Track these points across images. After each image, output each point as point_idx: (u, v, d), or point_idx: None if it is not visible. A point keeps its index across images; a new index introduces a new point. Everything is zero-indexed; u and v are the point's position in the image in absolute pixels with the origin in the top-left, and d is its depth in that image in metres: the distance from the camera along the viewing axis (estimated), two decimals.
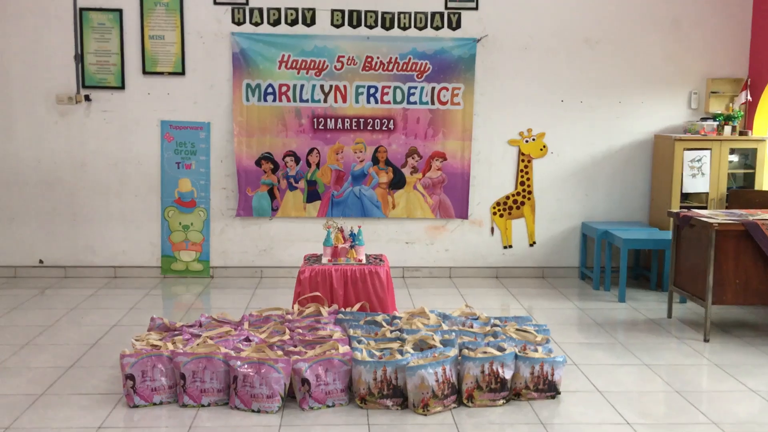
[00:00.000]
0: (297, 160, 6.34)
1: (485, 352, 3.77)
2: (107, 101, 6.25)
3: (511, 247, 6.60)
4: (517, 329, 4.24)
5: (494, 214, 6.55)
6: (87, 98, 6.22)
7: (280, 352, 3.76)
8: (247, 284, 6.30)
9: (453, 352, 3.76)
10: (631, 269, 6.58)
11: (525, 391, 3.79)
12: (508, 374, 3.73)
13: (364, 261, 4.69)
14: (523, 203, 6.54)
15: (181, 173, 6.38)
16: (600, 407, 3.73)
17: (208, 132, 6.34)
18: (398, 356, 3.72)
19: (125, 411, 3.62)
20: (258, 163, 6.33)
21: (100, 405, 3.68)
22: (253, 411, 3.61)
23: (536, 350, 3.94)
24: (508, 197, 6.54)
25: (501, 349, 3.88)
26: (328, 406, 3.68)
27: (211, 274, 6.51)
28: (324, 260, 4.69)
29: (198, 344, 3.91)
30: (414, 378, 3.59)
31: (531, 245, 6.61)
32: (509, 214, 6.56)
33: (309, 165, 6.36)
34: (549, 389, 3.81)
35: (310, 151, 6.34)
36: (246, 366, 3.63)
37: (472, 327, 4.37)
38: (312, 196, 6.41)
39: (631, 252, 6.52)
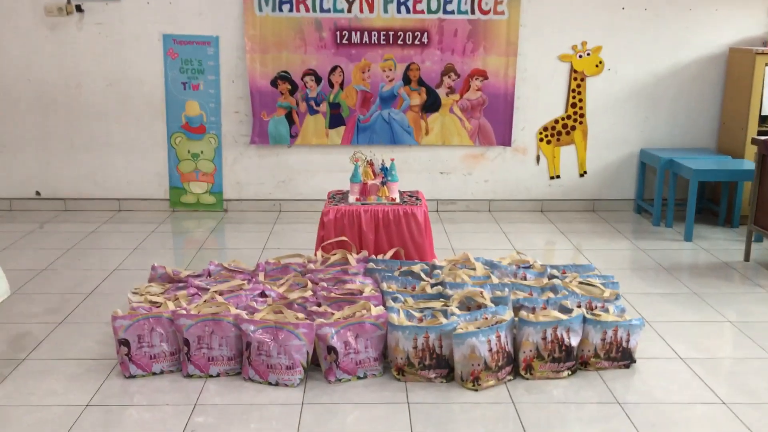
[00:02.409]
0: (318, 80, 5.59)
1: (546, 315, 3.13)
2: (101, 12, 5.48)
3: (558, 177, 5.88)
4: (580, 282, 3.59)
5: (541, 140, 5.79)
6: (78, 8, 5.46)
7: (301, 315, 3.14)
8: (265, 219, 5.68)
9: (508, 314, 3.12)
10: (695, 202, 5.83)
11: (594, 359, 3.17)
12: (574, 341, 3.10)
13: (397, 200, 4.02)
14: (573, 128, 5.77)
15: (188, 95, 5.66)
16: (685, 381, 3.10)
17: (216, 48, 5.57)
18: (442, 319, 3.09)
19: (120, 382, 3.06)
20: (274, 83, 5.59)
21: (91, 374, 3.12)
22: (270, 384, 3.03)
23: (606, 310, 3.29)
24: (557, 121, 5.76)
25: (564, 310, 3.24)
26: (359, 378, 3.09)
27: (225, 208, 5.89)
28: (351, 199, 4.02)
29: (204, 302, 3.31)
30: (462, 347, 2.97)
31: (581, 175, 5.88)
32: (558, 140, 5.80)
33: (331, 85, 5.60)
34: (623, 357, 3.18)
35: (333, 69, 5.57)
36: (261, 331, 3.04)
37: (525, 278, 3.73)
38: (335, 120, 5.68)
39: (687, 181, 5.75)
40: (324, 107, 5.65)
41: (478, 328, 3.05)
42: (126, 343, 3.09)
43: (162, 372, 3.13)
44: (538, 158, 5.83)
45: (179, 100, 5.66)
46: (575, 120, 5.75)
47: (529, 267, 3.87)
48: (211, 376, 3.10)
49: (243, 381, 3.08)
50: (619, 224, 5.56)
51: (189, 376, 3.10)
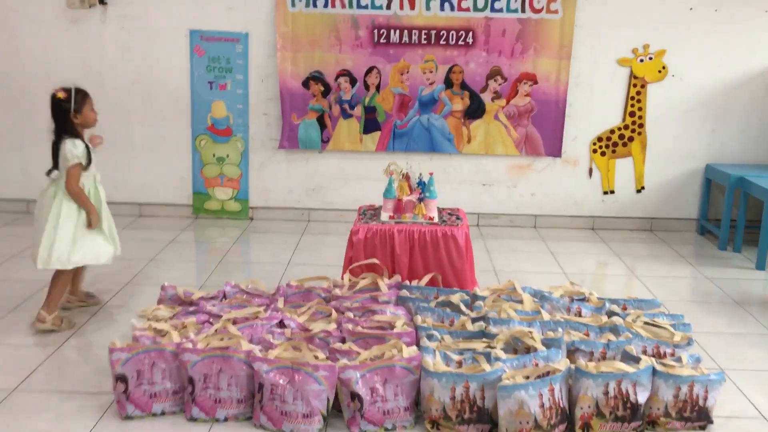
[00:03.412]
0: (353, 82, 5.18)
1: (609, 365, 2.66)
2: (126, 5, 5.15)
3: (613, 192, 5.37)
4: (645, 323, 3.11)
5: (594, 152, 5.30)
6: (102, 1, 5.14)
7: (322, 355, 2.73)
8: (292, 229, 5.30)
9: (563, 362, 2.66)
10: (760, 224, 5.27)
11: (664, 419, 2.69)
12: (642, 397, 2.63)
13: (436, 219, 3.58)
14: (631, 139, 5.25)
15: (215, 95, 5.30)
16: None
17: (245, 45, 5.20)
18: (485, 365, 2.65)
19: (115, 424, 2.68)
20: (306, 84, 5.20)
21: (84, 412, 2.75)
22: None
23: (679, 359, 2.81)
24: (613, 131, 5.26)
25: (629, 357, 2.77)
26: (387, 430, 2.67)
27: (250, 216, 5.52)
28: (384, 216, 3.59)
29: (215, 331, 2.92)
30: (509, 401, 2.52)
31: (638, 191, 5.36)
32: (613, 152, 5.29)
33: (367, 88, 5.19)
34: (698, 417, 2.70)
35: (369, 70, 5.15)
36: (275, 372, 2.63)
37: (580, 314, 3.26)
38: (370, 125, 5.27)
39: (761, 203, 5.20)
40: (358, 111, 5.24)
41: (528, 378, 2.60)
42: (123, 378, 2.71)
43: (163, 413, 2.74)
44: (590, 171, 5.34)
45: (205, 100, 5.30)
46: (633, 130, 5.23)
47: (584, 300, 3.40)
48: (217, 420, 2.70)
49: (253, 428, 2.68)
50: (680, 247, 5.04)
51: (193, 419, 2.70)
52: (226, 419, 2.71)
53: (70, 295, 3.67)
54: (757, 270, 4.56)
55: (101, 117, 5.50)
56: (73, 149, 3.33)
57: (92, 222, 3.42)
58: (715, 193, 5.29)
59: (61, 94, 3.33)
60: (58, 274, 3.45)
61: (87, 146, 3.42)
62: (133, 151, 5.42)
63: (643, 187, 5.35)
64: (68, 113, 3.35)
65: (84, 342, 3.34)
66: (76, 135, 3.39)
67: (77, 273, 3.64)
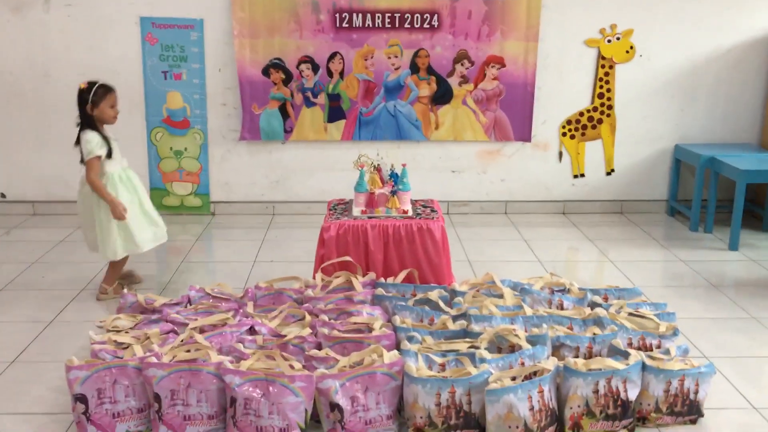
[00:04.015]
0: (315, 69, 4.98)
1: (599, 362, 2.55)
2: None
3: (583, 176, 5.30)
4: (630, 314, 3.02)
5: (564, 135, 5.21)
6: None
7: (297, 364, 2.56)
8: (256, 223, 5.10)
9: (551, 361, 2.55)
10: (730, 204, 5.26)
11: (654, 414, 2.60)
12: (632, 394, 2.54)
13: (410, 212, 3.43)
14: (600, 121, 5.18)
15: (170, 85, 5.05)
16: None
17: (201, 32, 4.95)
18: (470, 368, 2.52)
19: None
20: (266, 72, 4.98)
21: None
22: None
23: (668, 351, 2.72)
24: (582, 114, 5.17)
25: (616, 351, 2.68)
26: None
27: (212, 211, 5.30)
28: (356, 211, 3.43)
29: (181, 342, 2.74)
30: (497, 405, 2.40)
31: (608, 173, 5.30)
32: (582, 135, 5.21)
33: (330, 74, 5.00)
34: (689, 411, 2.62)
35: (332, 56, 4.96)
36: (248, 385, 2.46)
37: (562, 306, 3.16)
38: (335, 114, 5.08)
39: (731, 183, 5.18)
40: (322, 99, 5.05)
41: (514, 379, 2.49)
42: (83, 399, 2.51)
43: None
44: (560, 155, 5.25)
45: (160, 91, 5.05)
46: (602, 112, 5.15)
47: (566, 291, 3.30)
48: None
49: None
50: (651, 228, 5.00)
51: None
52: None
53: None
54: (730, 251, 4.53)
55: (49, 112, 5.21)
56: (86, 144, 3.47)
57: (114, 213, 3.49)
58: (684, 173, 5.26)
59: (83, 85, 3.48)
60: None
61: (105, 137, 3.52)
62: None
63: (612, 170, 5.29)
64: (86, 105, 3.47)
65: (39, 356, 3.12)
66: (94, 128, 3.50)
67: None
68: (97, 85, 3.48)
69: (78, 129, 3.55)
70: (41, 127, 5.08)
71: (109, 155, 3.53)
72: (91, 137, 3.47)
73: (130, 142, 5.11)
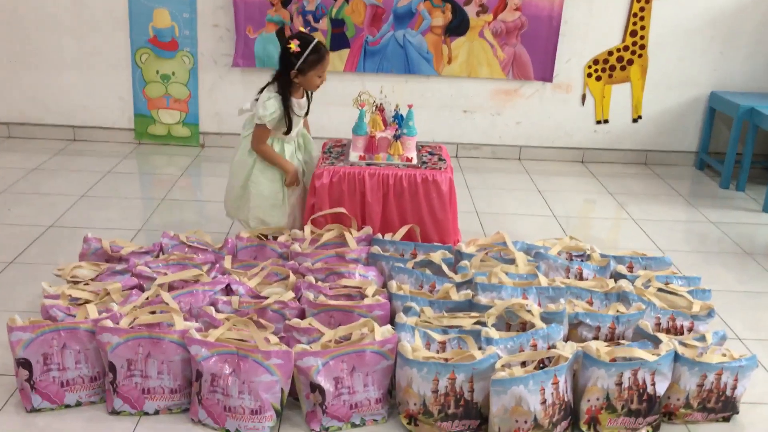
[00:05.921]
0: None
1: (626, 351, 2.20)
2: None
3: (606, 122, 4.85)
4: (659, 289, 2.65)
5: (589, 76, 4.73)
6: None
7: (274, 338, 2.21)
8: None
9: (569, 347, 2.19)
10: (767, 159, 4.84)
11: (684, 410, 2.27)
12: (661, 388, 2.19)
13: (414, 161, 3.02)
14: (631, 62, 4.69)
15: (157, 1, 4.56)
16: None
17: None
18: (474, 351, 2.17)
19: (18, 419, 2.18)
20: None
21: None
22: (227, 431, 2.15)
23: (703, 338, 2.36)
24: (611, 53, 4.68)
25: (644, 335, 2.33)
26: (355, 426, 2.20)
27: (201, 143, 4.90)
28: (353, 156, 3.02)
29: (146, 300, 2.39)
30: (504, 397, 2.06)
31: (635, 120, 4.84)
32: (610, 76, 4.73)
33: None
34: (723, 408, 2.28)
35: None
36: (216, 359, 2.12)
37: (581, 275, 2.79)
38: (338, 41, 4.60)
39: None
40: (324, 24, 4.56)
41: (525, 365, 2.14)
42: (26, 364, 2.18)
43: (79, 404, 2.24)
44: (583, 98, 4.79)
45: (146, 7, 4.56)
46: (634, 52, 4.66)
47: (584, 257, 2.92)
48: (146, 413, 2.21)
49: (191, 423, 2.19)
50: (677, 183, 4.59)
51: (115, 412, 2.20)
52: (156, 412, 2.21)
53: None
54: (764, 212, 4.13)
55: (25, 28, 4.72)
56: (262, 109, 2.90)
57: (288, 180, 3.02)
58: (718, 124, 4.80)
59: (293, 46, 2.85)
60: None
61: (287, 108, 2.93)
62: (64, 68, 4.69)
63: (639, 116, 4.83)
64: (290, 68, 2.90)
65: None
66: (285, 94, 2.92)
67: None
68: (310, 48, 2.85)
69: (266, 83, 2.96)
70: (15, 45, 4.63)
71: (288, 131, 2.97)
72: (270, 106, 2.89)
73: (113, 63, 4.69)
